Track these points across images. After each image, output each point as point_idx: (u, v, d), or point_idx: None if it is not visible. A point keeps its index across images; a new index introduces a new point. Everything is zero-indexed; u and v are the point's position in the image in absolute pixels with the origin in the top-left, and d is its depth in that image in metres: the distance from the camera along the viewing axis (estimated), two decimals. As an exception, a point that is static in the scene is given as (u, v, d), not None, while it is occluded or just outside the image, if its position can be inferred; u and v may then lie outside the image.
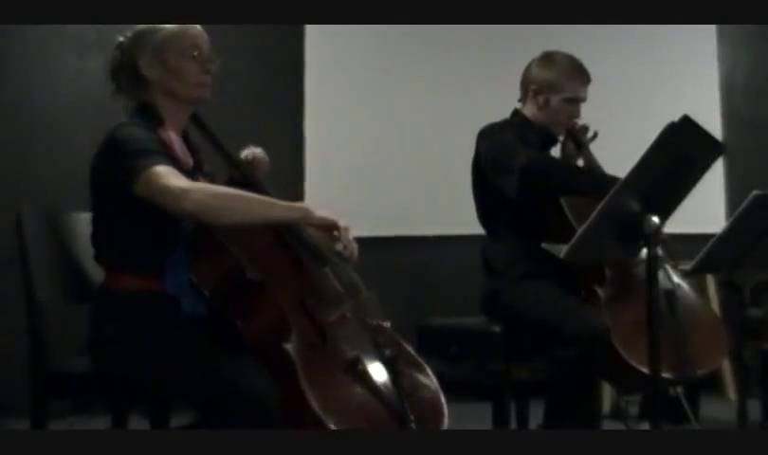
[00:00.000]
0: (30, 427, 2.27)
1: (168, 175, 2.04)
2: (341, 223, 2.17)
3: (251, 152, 2.47)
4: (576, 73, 3.07)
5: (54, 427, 2.28)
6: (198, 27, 2.29)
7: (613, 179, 2.71)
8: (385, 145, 4.96)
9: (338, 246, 2.17)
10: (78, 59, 4.62)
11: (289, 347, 2.01)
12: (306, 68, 4.96)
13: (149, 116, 2.22)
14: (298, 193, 4.75)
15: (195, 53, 2.23)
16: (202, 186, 2.10)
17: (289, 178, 4.73)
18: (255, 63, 4.89)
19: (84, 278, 2.44)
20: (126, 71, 2.25)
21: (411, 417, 2.01)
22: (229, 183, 2.30)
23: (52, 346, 2.29)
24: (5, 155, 4.45)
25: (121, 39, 2.27)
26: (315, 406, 1.93)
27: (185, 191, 2.01)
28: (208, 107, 2.33)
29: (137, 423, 2.42)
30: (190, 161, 2.26)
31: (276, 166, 2.54)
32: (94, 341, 2.18)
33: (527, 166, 2.84)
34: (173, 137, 2.23)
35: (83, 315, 2.21)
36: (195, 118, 2.33)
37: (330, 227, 2.16)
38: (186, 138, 2.32)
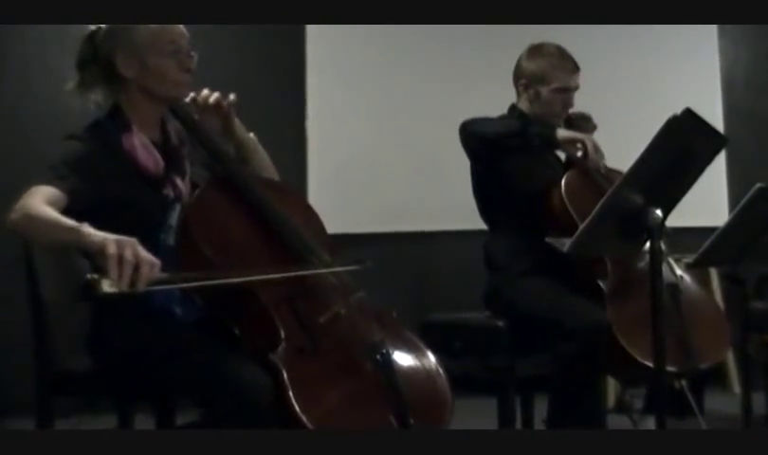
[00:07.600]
0: (36, 426, 2.27)
1: (31, 195, 1.95)
2: None
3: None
4: (563, 62, 3.04)
5: (60, 425, 2.28)
6: (180, 26, 2.21)
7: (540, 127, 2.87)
8: (387, 142, 4.96)
9: None
10: (79, 59, 4.61)
11: (275, 357, 1.96)
12: (308, 68, 4.95)
13: (116, 121, 2.17)
14: (300, 193, 4.74)
15: (173, 49, 2.16)
16: (26, 206, 1.93)
17: (292, 177, 4.72)
18: (257, 63, 4.89)
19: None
20: (97, 66, 2.18)
21: (411, 412, 1.97)
22: (212, 179, 2.22)
23: (57, 345, 2.29)
24: (6, 155, 4.45)
25: (93, 28, 2.18)
26: (304, 419, 1.89)
27: (13, 213, 1.92)
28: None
29: (143, 420, 2.42)
30: (160, 165, 2.17)
31: (278, 165, 2.53)
32: (92, 341, 2.18)
33: (462, 126, 2.99)
34: (139, 143, 2.15)
35: (88, 313, 2.22)
36: (174, 111, 2.26)
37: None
38: (164, 130, 2.26)
